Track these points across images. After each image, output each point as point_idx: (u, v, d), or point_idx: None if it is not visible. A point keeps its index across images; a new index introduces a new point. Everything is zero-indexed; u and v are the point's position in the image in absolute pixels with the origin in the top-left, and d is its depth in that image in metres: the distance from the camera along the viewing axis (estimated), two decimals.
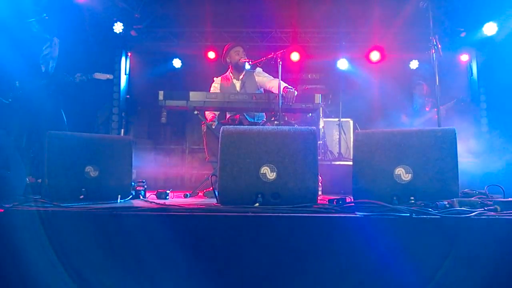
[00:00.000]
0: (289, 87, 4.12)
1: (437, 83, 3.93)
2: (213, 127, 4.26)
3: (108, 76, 4.22)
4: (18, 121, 3.65)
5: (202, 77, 7.13)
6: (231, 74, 4.64)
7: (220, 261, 1.96)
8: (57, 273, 1.97)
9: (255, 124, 4.40)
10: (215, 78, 4.76)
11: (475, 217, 1.98)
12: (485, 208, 2.16)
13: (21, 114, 3.66)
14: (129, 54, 7.37)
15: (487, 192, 2.86)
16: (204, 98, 4.04)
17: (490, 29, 6.08)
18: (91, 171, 2.78)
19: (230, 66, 4.64)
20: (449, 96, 5.88)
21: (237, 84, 4.57)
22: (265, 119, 4.59)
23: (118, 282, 1.96)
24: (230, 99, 4.06)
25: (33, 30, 3.82)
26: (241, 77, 4.57)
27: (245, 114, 4.46)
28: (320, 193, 3.54)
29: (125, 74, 7.26)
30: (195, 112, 4.11)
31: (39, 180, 2.90)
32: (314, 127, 2.62)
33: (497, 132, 5.81)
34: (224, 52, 4.68)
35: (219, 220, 2.01)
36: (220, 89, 4.60)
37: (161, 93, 4.03)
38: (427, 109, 6.08)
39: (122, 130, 6.99)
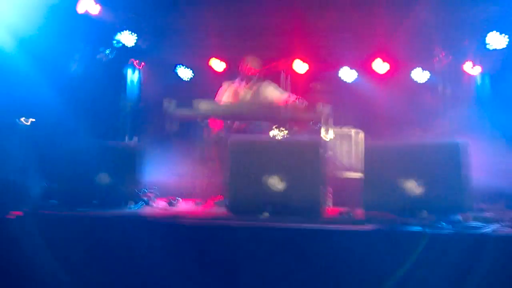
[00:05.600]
0: (298, 98, 4.11)
1: (443, 94, 3.86)
2: (221, 135, 4.26)
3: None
4: (38, 126, 3.74)
5: (210, 87, 7.15)
6: (239, 83, 4.62)
7: (228, 270, 1.94)
8: (71, 276, 1.99)
9: (261, 133, 4.38)
10: (224, 83, 4.74)
11: (490, 232, 1.92)
12: (501, 223, 2.11)
13: (41, 120, 3.74)
14: (138, 64, 7.44)
15: (503, 207, 2.80)
16: (212, 107, 4.04)
17: (495, 40, 5.97)
18: (104, 178, 2.80)
19: (241, 76, 4.64)
20: (456, 106, 5.79)
21: (248, 94, 4.56)
22: (273, 129, 4.57)
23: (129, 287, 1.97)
24: (238, 109, 4.06)
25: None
26: (251, 87, 4.57)
27: (251, 124, 4.43)
28: (330, 205, 3.50)
29: (136, 84, 7.36)
30: (203, 122, 4.12)
31: (55, 185, 2.95)
32: (318, 138, 2.60)
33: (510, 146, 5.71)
34: (241, 63, 4.69)
35: (228, 230, 1.99)
36: (229, 96, 4.58)
37: (169, 102, 4.04)
38: (438, 120, 6.00)
39: (133, 139, 7.03)
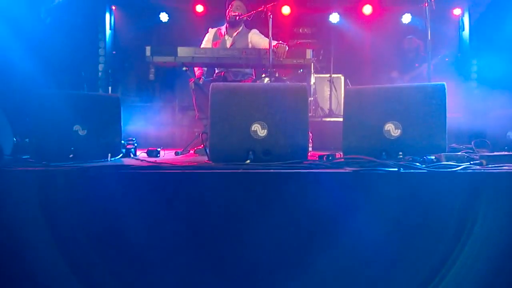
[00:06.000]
0: (281, 42, 4.03)
1: (429, 38, 3.88)
2: (200, 83, 4.20)
3: None
4: (3, 79, 3.56)
5: (190, 31, 6.91)
6: (225, 30, 4.50)
7: (211, 218, 2.00)
8: (46, 235, 1.99)
9: (240, 80, 4.34)
10: (210, 29, 4.61)
11: (461, 171, 2.03)
12: (471, 162, 2.22)
13: (5, 72, 3.56)
14: (113, 8, 7.08)
15: (474, 147, 2.92)
16: (192, 53, 3.93)
17: None
18: (80, 130, 2.74)
19: (226, 21, 4.50)
20: (440, 52, 5.83)
21: (228, 41, 4.45)
22: (253, 76, 4.53)
23: (108, 243, 1.99)
24: (220, 55, 3.96)
25: None
26: (234, 34, 4.44)
27: (231, 71, 4.37)
28: (310, 149, 3.57)
29: (110, 29, 7.01)
30: (184, 68, 4.03)
31: (27, 140, 2.86)
32: (304, 84, 2.60)
33: (486, 88, 5.84)
34: (225, 5, 4.52)
35: (210, 177, 2.03)
36: (210, 41, 4.48)
37: (148, 48, 3.90)
38: (416, 64, 6.05)
39: (110, 87, 6.85)
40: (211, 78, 4.40)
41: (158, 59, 3.92)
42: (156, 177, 2.05)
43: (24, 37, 3.83)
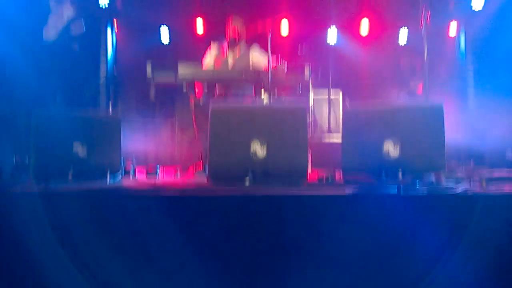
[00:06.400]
0: (280, 63, 4.07)
1: (426, 58, 3.92)
2: (200, 102, 4.22)
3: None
4: (3, 98, 3.58)
5: (191, 48, 6.99)
6: (228, 47, 4.52)
7: (211, 241, 1.99)
8: (47, 254, 1.97)
9: (240, 98, 4.36)
10: (212, 43, 4.62)
11: (461, 191, 2.03)
12: (471, 183, 2.22)
13: (6, 91, 3.58)
14: (115, 26, 7.15)
15: (472, 165, 2.92)
16: (193, 72, 3.96)
17: (477, 3, 6.03)
18: (80, 150, 2.73)
19: (226, 40, 4.54)
20: (436, 71, 5.89)
21: (230, 61, 4.47)
22: (253, 96, 4.56)
23: (108, 264, 1.98)
24: (220, 75, 4.00)
25: None
26: (235, 54, 4.47)
27: (231, 90, 4.40)
28: (309, 168, 3.57)
29: (112, 47, 7.08)
30: (184, 91, 4.05)
31: (27, 160, 2.86)
32: (303, 105, 2.62)
33: (484, 107, 5.87)
34: (226, 23, 4.57)
35: (210, 201, 2.02)
36: (212, 59, 4.50)
37: (148, 66, 3.93)
38: (410, 83, 6.12)
39: (110, 104, 6.88)
40: (211, 97, 4.42)
41: (159, 77, 3.94)
42: (154, 200, 2.04)
43: (26, 55, 3.86)
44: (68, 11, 3.95)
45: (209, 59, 4.53)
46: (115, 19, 7.04)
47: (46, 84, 3.89)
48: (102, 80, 6.89)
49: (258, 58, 4.39)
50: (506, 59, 5.46)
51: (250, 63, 4.40)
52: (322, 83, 6.70)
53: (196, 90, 4.39)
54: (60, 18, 3.91)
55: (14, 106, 3.63)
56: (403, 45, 7.17)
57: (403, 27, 7.15)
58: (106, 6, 6.25)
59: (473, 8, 6.05)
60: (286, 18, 6.97)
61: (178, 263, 1.97)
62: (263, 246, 1.96)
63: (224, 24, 4.57)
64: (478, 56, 6.48)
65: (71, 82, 5.36)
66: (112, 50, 7.11)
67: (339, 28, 7.22)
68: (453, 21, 6.64)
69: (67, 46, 4.34)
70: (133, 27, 7.34)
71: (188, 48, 6.93)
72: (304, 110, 2.56)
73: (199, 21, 7.08)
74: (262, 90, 4.19)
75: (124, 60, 7.28)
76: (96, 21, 6.59)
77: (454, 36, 6.83)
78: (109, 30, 6.98)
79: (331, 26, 7.14)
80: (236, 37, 4.35)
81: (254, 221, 1.98)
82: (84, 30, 4.28)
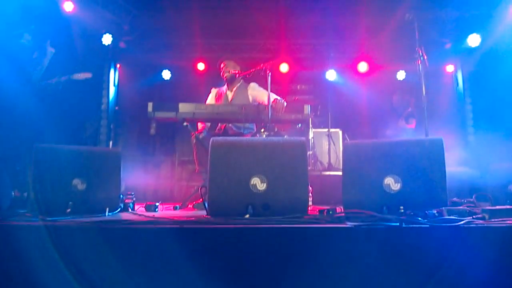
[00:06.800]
0: (279, 98, 4.14)
1: (424, 94, 3.98)
2: (200, 137, 4.25)
3: (86, 75, 4.18)
4: (4, 132, 3.61)
5: (191, 88, 7.15)
6: (225, 87, 4.69)
7: (210, 273, 1.94)
8: (45, 286, 1.93)
9: (241, 134, 4.41)
10: (212, 89, 4.79)
11: (464, 225, 2.00)
12: (473, 216, 2.19)
13: (7, 126, 3.62)
14: (118, 65, 7.35)
15: (475, 201, 2.89)
16: (193, 109, 4.03)
17: (474, 40, 6.24)
18: (79, 184, 2.73)
19: (224, 80, 4.68)
20: (434, 106, 5.97)
21: (230, 95, 4.60)
22: (254, 130, 4.60)
23: None
24: (220, 110, 4.05)
25: (21, 41, 3.81)
26: (234, 89, 4.60)
27: (232, 124, 4.46)
28: (310, 203, 3.54)
29: (114, 85, 7.23)
30: (185, 124, 4.10)
31: (25, 194, 2.85)
32: (303, 138, 2.63)
33: (483, 141, 5.90)
34: (218, 67, 4.74)
35: (209, 232, 1.99)
36: (212, 98, 4.66)
37: (150, 104, 4.00)
38: (404, 122, 6.20)
39: (111, 142, 6.93)
40: (212, 133, 4.47)
41: (160, 114, 4.00)
42: (154, 232, 2.01)
43: (28, 90, 3.93)
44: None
45: (210, 100, 4.67)
46: (118, 59, 7.24)
47: (47, 120, 3.93)
48: (103, 117, 6.97)
49: (256, 94, 4.48)
50: (504, 93, 5.55)
51: (250, 98, 4.49)
52: (321, 121, 6.81)
53: (200, 125, 4.46)
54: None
55: (14, 140, 3.66)
56: (400, 80, 7.34)
57: (401, 70, 7.36)
58: (110, 43, 6.44)
59: (469, 45, 6.24)
60: (285, 62, 7.17)
61: None
62: (263, 277, 1.91)
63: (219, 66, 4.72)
64: (475, 91, 6.60)
65: (72, 119, 5.43)
66: (115, 88, 7.26)
67: (338, 70, 7.41)
68: (450, 58, 6.82)
69: (69, 83, 4.42)
70: (136, 67, 7.54)
71: (190, 85, 7.09)
72: (303, 143, 2.57)
73: (200, 63, 7.31)
74: (262, 130, 4.24)
75: (126, 98, 7.41)
76: (99, 58, 6.76)
77: (451, 73, 7.00)
78: (112, 70, 7.15)
79: (330, 69, 7.34)
80: (236, 75, 4.47)
81: (254, 253, 1.94)
82: (90, 76, 4.38)
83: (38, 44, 3.97)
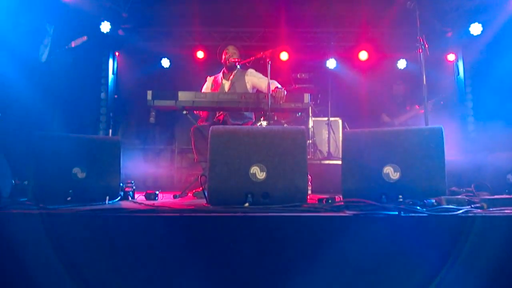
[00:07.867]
0: (279, 86, 4.12)
1: (424, 83, 3.97)
2: (201, 126, 4.25)
3: (83, 39, 4.15)
4: (4, 120, 3.60)
5: (191, 76, 7.11)
6: (222, 74, 4.65)
7: (210, 262, 1.95)
8: (46, 274, 1.94)
9: (239, 125, 4.40)
10: (208, 77, 4.76)
11: (462, 214, 2.01)
12: (472, 205, 2.20)
13: (7, 114, 3.61)
14: (116, 54, 7.30)
15: (474, 190, 2.90)
16: (193, 97, 4.01)
17: (476, 29, 6.19)
18: (79, 173, 2.74)
19: (224, 66, 4.65)
20: (435, 96, 5.96)
21: (226, 85, 4.56)
22: (253, 120, 4.59)
23: (108, 283, 1.94)
24: (219, 99, 4.04)
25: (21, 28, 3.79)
26: (231, 77, 4.57)
27: (230, 117, 4.44)
28: (309, 192, 3.55)
29: (113, 74, 7.20)
30: (184, 112, 4.09)
31: (26, 182, 2.85)
32: (303, 127, 2.63)
33: (483, 130, 5.90)
34: (217, 52, 4.70)
35: (209, 221, 2.00)
36: (208, 87, 4.63)
37: (149, 93, 3.99)
38: (407, 108, 6.17)
39: (110, 130, 6.92)
40: (211, 122, 4.45)
41: (159, 103, 3.99)
42: (154, 220, 2.02)
43: (29, 79, 3.92)
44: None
45: (206, 89, 4.64)
46: (116, 47, 7.19)
47: (46, 107, 3.93)
48: (103, 105, 6.95)
49: (256, 81, 4.46)
50: (504, 83, 5.53)
51: (248, 85, 4.47)
52: (321, 110, 6.79)
53: (199, 114, 4.44)
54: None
55: (13, 128, 3.65)
56: (401, 68, 7.30)
57: (401, 59, 7.31)
58: (108, 31, 6.39)
59: (471, 33, 6.20)
60: (285, 50, 7.12)
61: (176, 282, 1.93)
62: (263, 266, 1.92)
63: (218, 52, 4.69)
64: (476, 80, 6.58)
65: (72, 107, 5.42)
66: (113, 76, 7.22)
67: (338, 59, 7.37)
68: (452, 47, 6.78)
69: (68, 71, 4.40)
70: (135, 55, 7.49)
71: (189, 73, 7.05)
72: (303, 132, 2.57)
73: (200, 51, 7.26)
74: (262, 118, 4.23)
75: (126, 86, 7.39)
76: (98, 47, 6.72)
77: (452, 62, 6.96)
78: (110, 58, 7.11)
79: (330, 58, 7.29)
80: (236, 63, 4.44)
81: (253, 241, 1.95)
82: (86, 39, 4.34)
83: (37, 28, 3.95)
